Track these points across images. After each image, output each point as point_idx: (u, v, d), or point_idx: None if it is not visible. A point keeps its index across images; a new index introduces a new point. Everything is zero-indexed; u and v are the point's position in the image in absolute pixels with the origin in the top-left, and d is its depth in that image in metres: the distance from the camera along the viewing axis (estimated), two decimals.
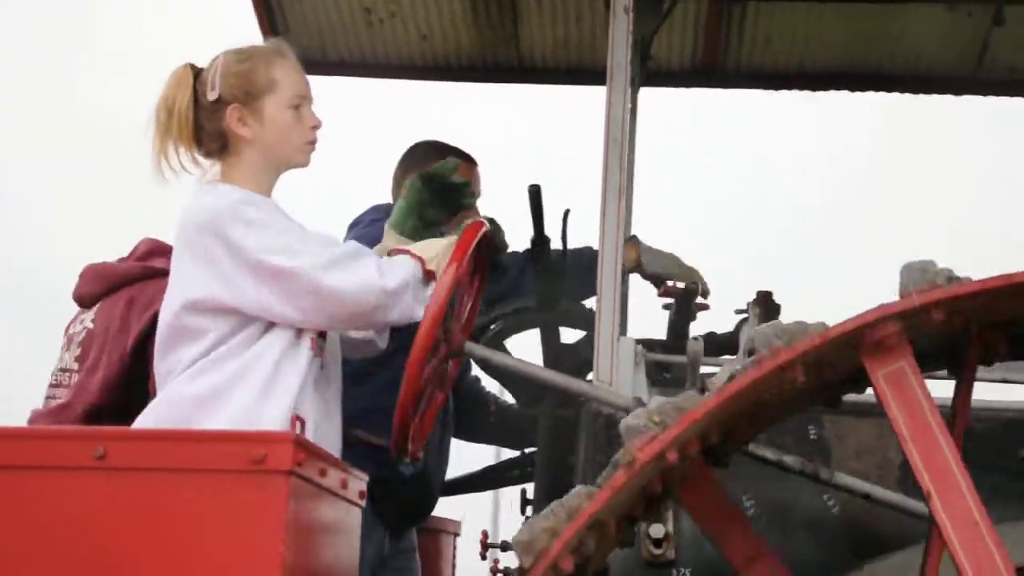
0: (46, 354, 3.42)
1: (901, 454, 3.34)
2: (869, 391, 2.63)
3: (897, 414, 2.46)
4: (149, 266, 3.37)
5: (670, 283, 3.82)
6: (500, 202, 4.03)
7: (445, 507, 4.23)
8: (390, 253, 3.24)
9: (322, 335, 3.15)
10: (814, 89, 4.89)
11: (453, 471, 4.26)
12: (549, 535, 2.39)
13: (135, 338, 3.25)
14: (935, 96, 4.87)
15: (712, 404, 2.42)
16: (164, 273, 3.21)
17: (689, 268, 3.98)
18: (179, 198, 3.22)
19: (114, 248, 3.48)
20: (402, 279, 3.11)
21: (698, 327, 4.00)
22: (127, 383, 3.27)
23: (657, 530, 3.20)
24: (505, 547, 3.78)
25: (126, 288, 3.35)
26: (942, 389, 3.32)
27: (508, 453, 4.52)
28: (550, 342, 4.01)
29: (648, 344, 3.53)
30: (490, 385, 4.48)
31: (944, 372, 2.75)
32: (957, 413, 2.64)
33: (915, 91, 4.88)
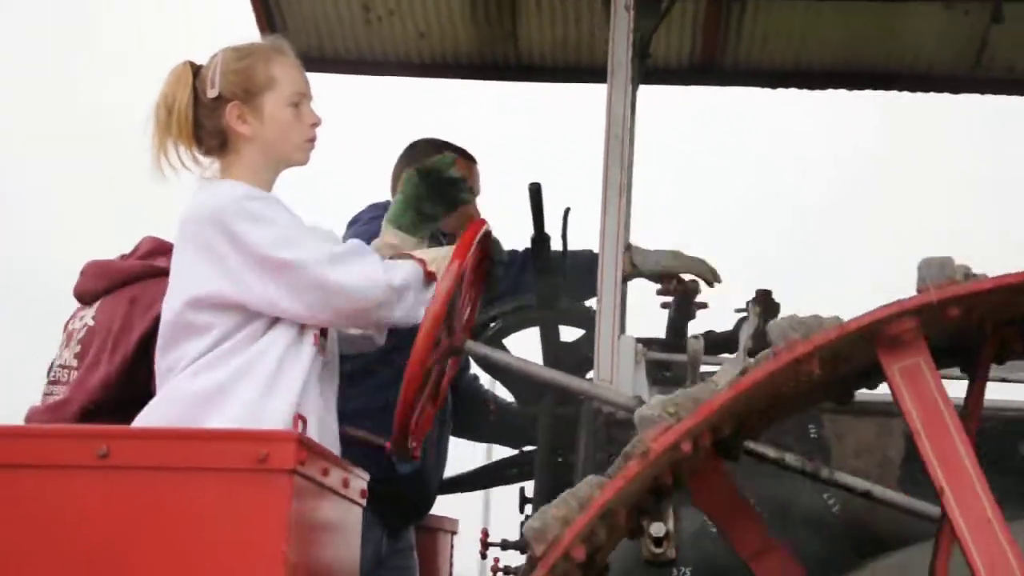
0: (46, 353, 3.41)
1: (901, 453, 3.38)
2: (868, 390, 2.65)
3: (911, 409, 2.46)
4: (152, 265, 3.36)
5: (682, 277, 3.82)
6: (500, 200, 4.03)
7: (437, 505, 4.22)
8: (391, 256, 3.25)
9: (324, 332, 3.15)
10: (812, 87, 4.90)
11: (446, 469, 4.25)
12: (561, 524, 2.40)
13: (138, 337, 3.24)
14: (934, 95, 4.88)
15: (727, 396, 2.43)
16: (167, 272, 3.21)
17: (691, 258, 3.98)
18: (179, 197, 3.22)
19: (114, 248, 3.46)
20: (405, 278, 3.12)
21: (697, 326, 4.01)
22: (127, 382, 3.26)
23: (658, 529, 3.20)
24: (505, 546, 3.79)
25: (128, 286, 3.34)
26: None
27: (500, 451, 4.52)
28: (550, 340, 4.01)
29: (647, 343, 3.54)
30: (488, 384, 4.48)
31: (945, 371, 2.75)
32: (970, 410, 2.64)
33: (913, 89, 4.88)
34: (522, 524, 3.91)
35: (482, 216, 3.65)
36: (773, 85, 4.88)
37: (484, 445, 4.89)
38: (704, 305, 4.04)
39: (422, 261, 3.18)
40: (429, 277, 3.15)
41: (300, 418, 2.86)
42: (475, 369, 4.30)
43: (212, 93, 3.20)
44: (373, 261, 3.12)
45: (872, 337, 2.46)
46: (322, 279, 3.03)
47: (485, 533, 3.85)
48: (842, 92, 4.86)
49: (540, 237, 3.90)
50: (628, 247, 3.54)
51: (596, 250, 3.53)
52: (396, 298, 3.10)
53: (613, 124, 3.39)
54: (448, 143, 4.32)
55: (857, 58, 4.77)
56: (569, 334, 4.07)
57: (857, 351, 2.49)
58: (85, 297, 3.42)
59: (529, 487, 3.99)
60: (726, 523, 2.77)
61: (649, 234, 3.67)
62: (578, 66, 4.84)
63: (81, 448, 2.63)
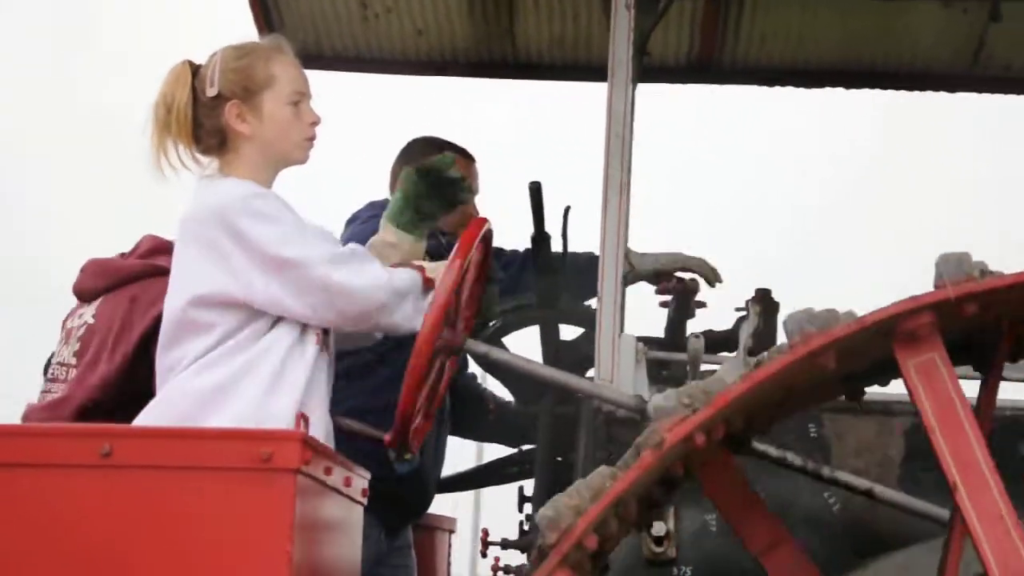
0: (47, 353, 3.40)
1: (901, 452, 3.38)
2: (880, 387, 2.65)
3: (926, 405, 2.47)
4: (153, 264, 3.35)
5: (681, 276, 3.83)
6: (500, 199, 4.03)
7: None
8: (388, 255, 3.25)
9: (326, 331, 3.15)
10: (809, 86, 4.90)
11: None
12: (574, 513, 2.41)
13: (138, 336, 3.23)
14: (932, 94, 4.88)
15: (742, 389, 2.43)
16: (168, 271, 3.20)
17: (691, 258, 3.98)
18: (179, 196, 3.22)
19: (115, 247, 3.47)
20: (407, 284, 3.13)
21: (696, 325, 4.01)
22: (127, 380, 3.25)
23: (658, 528, 3.22)
24: (505, 545, 3.79)
25: (129, 285, 3.33)
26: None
27: (490, 449, 4.52)
28: (549, 339, 4.00)
29: (645, 342, 3.54)
30: (486, 382, 4.48)
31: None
32: (983, 408, 2.64)
33: (910, 88, 4.88)
34: (521, 523, 3.92)
35: (481, 215, 3.65)
36: (771, 83, 4.88)
37: (474, 444, 4.89)
38: (703, 304, 4.05)
39: (421, 269, 3.19)
40: (428, 284, 3.16)
41: (303, 417, 2.86)
42: (473, 368, 4.30)
43: (211, 92, 3.20)
44: (376, 264, 3.14)
45: (888, 332, 2.47)
46: (325, 279, 3.03)
47: (485, 532, 3.85)
48: (840, 91, 4.86)
49: (540, 236, 3.90)
50: (627, 252, 3.55)
51: (595, 251, 3.54)
52: (398, 302, 3.11)
53: (614, 122, 3.40)
54: (447, 142, 4.32)
55: (855, 57, 4.77)
56: (568, 333, 4.07)
57: (872, 346, 2.50)
58: (85, 295, 3.41)
59: (527, 486, 3.99)
60: (736, 517, 2.77)
61: (649, 234, 3.68)
62: (576, 64, 4.84)
63: (84, 447, 2.62)
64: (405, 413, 3.05)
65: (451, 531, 4.69)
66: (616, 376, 3.30)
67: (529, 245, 4.04)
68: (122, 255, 3.46)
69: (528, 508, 3.92)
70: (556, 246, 4.02)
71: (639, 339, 3.44)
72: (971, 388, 2.66)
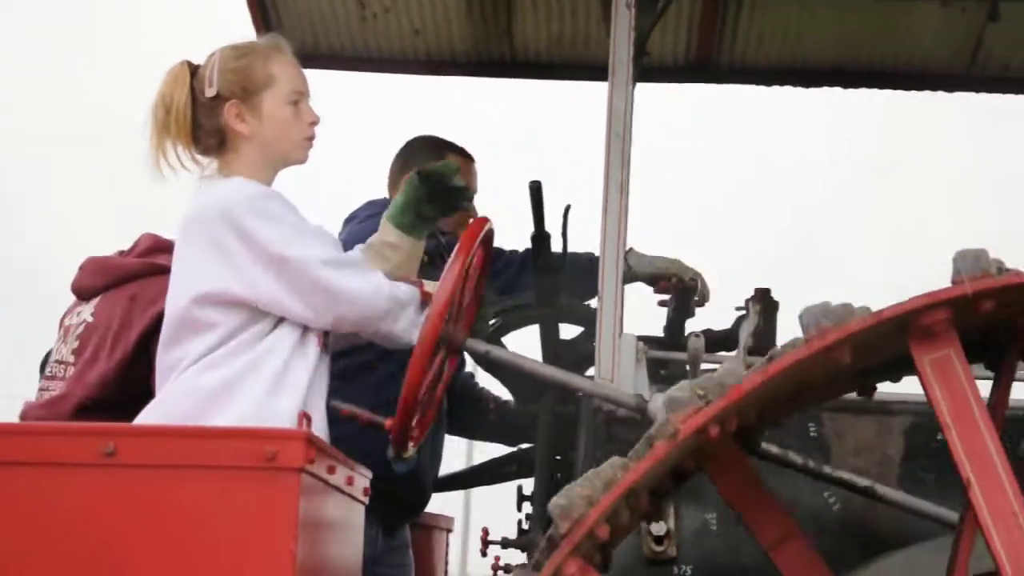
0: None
1: (901, 451, 3.39)
2: (892, 383, 2.64)
3: (941, 401, 2.47)
4: (153, 262, 3.34)
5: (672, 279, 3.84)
6: (498, 198, 4.03)
7: None
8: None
9: (327, 332, 3.15)
10: (807, 86, 4.90)
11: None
12: (586, 503, 2.41)
13: (138, 335, 3.23)
14: (931, 94, 4.88)
15: (757, 381, 2.43)
16: (167, 270, 3.20)
17: (688, 267, 4.00)
18: (179, 196, 3.22)
19: (115, 247, 3.47)
20: (406, 295, 3.16)
21: (695, 324, 4.02)
22: (125, 379, 3.25)
23: (659, 527, 3.22)
24: (506, 544, 3.79)
25: (128, 284, 3.33)
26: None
27: (480, 449, 4.52)
28: (549, 338, 4.00)
29: (644, 341, 3.54)
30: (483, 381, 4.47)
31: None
32: (997, 406, 2.64)
33: (908, 88, 4.88)
34: (519, 522, 3.92)
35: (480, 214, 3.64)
36: (769, 83, 4.88)
37: (464, 443, 4.89)
38: (702, 303, 4.05)
39: (420, 283, 3.21)
40: (426, 298, 3.17)
41: (305, 416, 2.86)
42: (471, 367, 4.29)
43: (210, 92, 3.20)
44: (379, 273, 3.16)
45: (904, 327, 2.47)
46: (326, 281, 3.04)
47: (485, 531, 3.85)
48: (840, 91, 4.86)
49: (540, 235, 3.90)
50: (628, 250, 3.55)
51: (594, 251, 3.53)
52: (398, 312, 3.13)
53: (615, 122, 3.39)
54: (446, 141, 4.32)
55: (853, 56, 4.77)
56: (567, 332, 4.07)
57: (887, 341, 2.50)
58: (83, 293, 3.40)
59: (526, 485, 3.99)
60: (746, 511, 2.78)
61: (648, 234, 3.69)
62: (574, 63, 4.83)
63: (87, 446, 2.62)
64: (405, 412, 3.05)
65: (448, 530, 4.70)
66: (616, 375, 3.30)
67: (528, 244, 4.04)
68: (121, 253, 3.46)
69: (527, 507, 3.92)
70: (555, 245, 4.02)
71: (639, 338, 3.44)
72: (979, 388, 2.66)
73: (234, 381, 2.97)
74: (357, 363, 3.69)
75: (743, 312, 3.78)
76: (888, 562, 2.90)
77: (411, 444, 3.17)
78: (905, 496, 3.20)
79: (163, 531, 2.60)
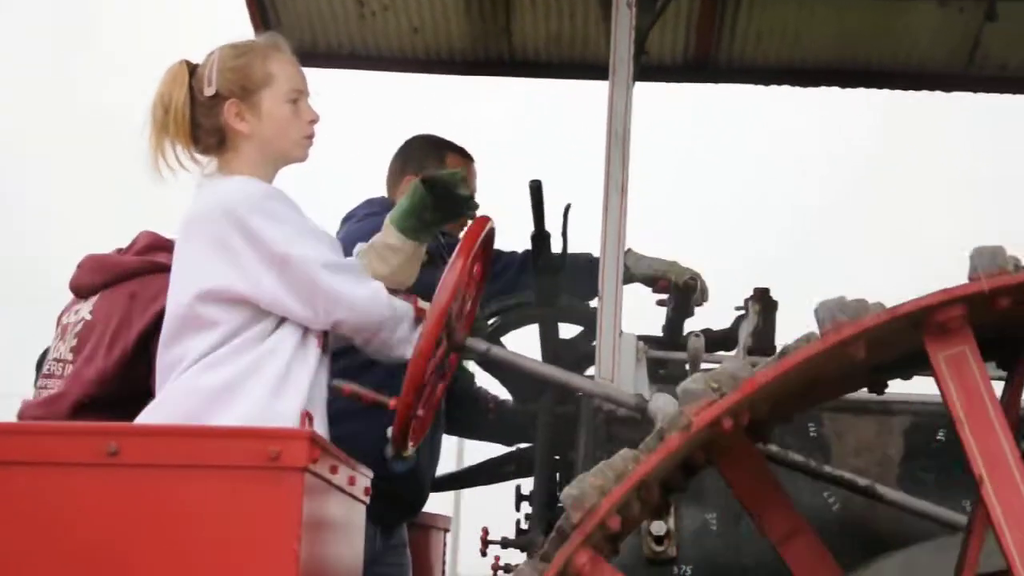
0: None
1: (900, 451, 3.39)
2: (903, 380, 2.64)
3: (955, 398, 2.48)
4: (152, 260, 3.34)
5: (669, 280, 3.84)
6: (497, 197, 4.02)
7: None
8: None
9: (326, 333, 3.15)
10: (805, 85, 4.90)
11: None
12: (599, 493, 2.41)
13: (137, 333, 3.23)
14: (929, 94, 4.88)
15: (772, 375, 2.44)
16: (167, 268, 3.19)
17: (686, 269, 4.00)
18: (179, 196, 3.21)
19: (114, 247, 3.46)
20: (403, 308, 3.18)
21: (694, 324, 4.02)
22: (124, 377, 3.24)
23: (659, 527, 3.22)
24: (506, 544, 3.79)
25: (128, 281, 3.32)
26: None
27: (472, 449, 4.51)
28: (549, 338, 4.00)
29: (643, 341, 3.54)
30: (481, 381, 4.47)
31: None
32: (1009, 404, 2.64)
33: (906, 87, 4.89)
34: (518, 522, 3.92)
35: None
36: (767, 82, 4.88)
37: (455, 443, 4.90)
38: (700, 303, 4.06)
39: (414, 299, 3.22)
40: (419, 315, 3.19)
41: (308, 415, 2.86)
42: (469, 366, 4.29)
43: (209, 91, 3.19)
44: (379, 283, 3.17)
45: (919, 323, 2.47)
46: (327, 284, 3.05)
47: (485, 531, 3.85)
48: (837, 90, 4.86)
49: (540, 234, 3.89)
50: (626, 252, 3.55)
51: (593, 251, 3.53)
52: (396, 323, 3.15)
53: (615, 122, 3.39)
54: (445, 140, 4.32)
55: (851, 56, 4.78)
56: (567, 331, 4.06)
57: (902, 337, 2.50)
58: (82, 291, 3.39)
59: (524, 485, 3.99)
60: (755, 505, 2.78)
61: (648, 234, 3.69)
62: (572, 62, 4.83)
63: (90, 446, 2.62)
64: (405, 411, 3.05)
65: (446, 530, 4.70)
66: (616, 375, 3.30)
67: (526, 244, 4.03)
68: (119, 251, 3.45)
69: (526, 507, 3.91)
70: (555, 245, 4.01)
71: (639, 338, 3.44)
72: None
73: (237, 381, 2.97)
74: (357, 363, 3.68)
75: (742, 312, 3.79)
76: (888, 562, 2.91)
77: (410, 443, 3.17)
78: (905, 496, 3.20)
79: (166, 531, 2.59)
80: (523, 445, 4.21)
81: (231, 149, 3.21)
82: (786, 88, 4.87)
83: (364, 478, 3.10)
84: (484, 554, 3.82)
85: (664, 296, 4.12)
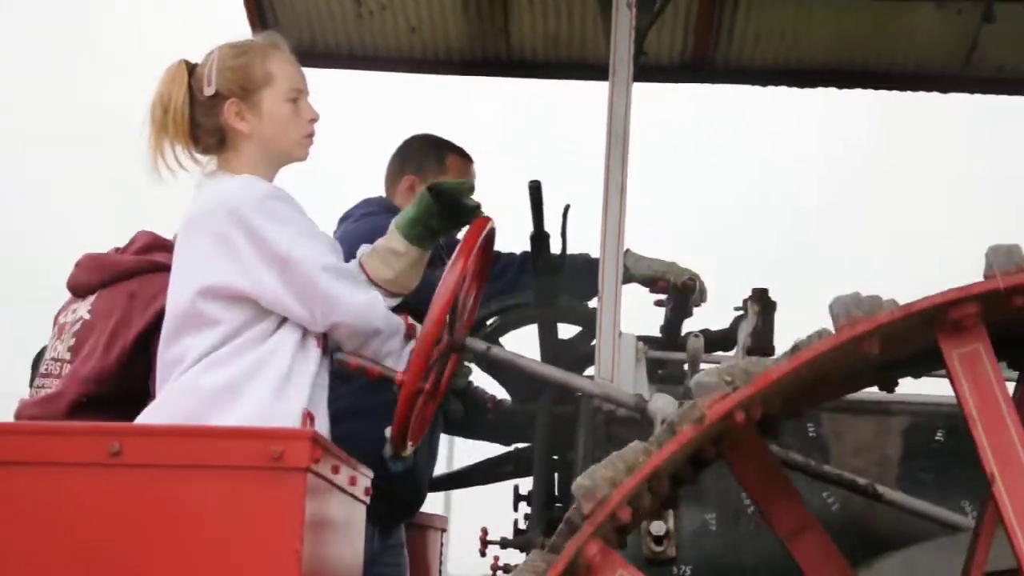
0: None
1: (899, 451, 3.40)
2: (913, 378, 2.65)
3: (968, 395, 2.48)
4: (152, 260, 3.33)
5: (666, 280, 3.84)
6: (495, 197, 4.01)
7: None
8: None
9: (325, 334, 3.14)
10: (802, 86, 4.91)
11: None
12: (610, 484, 2.42)
13: (137, 332, 3.22)
14: (927, 95, 4.89)
15: (785, 370, 2.44)
16: (165, 268, 3.19)
17: (685, 270, 4.00)
18: (179, 196, 3.21)
19: (112, 246, 3.46)
20: (397, 321, 3.19)
21: (692, 324, 4.02)
22: (123, 377, 3.24)
23: (658, 527, 3.22)
24: (505, 544, 3.79)
25: (126, 281, 3.31)
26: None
27: (460, 449, 4.50)
28: (548, 338, 4.00)
29: (643, 341, 3.54)
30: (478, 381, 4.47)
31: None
32: (1022, 404, 2.63)
33: (903, 88, 4.90)
34: (515, 522, 3.92)
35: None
36: (765, 83, 4.89)
37: (447, 442, 4.89)
38: (699, 303, 4.06)
39: (405, 315, 3.23)
40: (410, 331, 3.20)
41: (309, 415, 2.86)
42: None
43: (209, 91, 3.19)
44: (377, 293, 3.18)
45: (933, 320, 2.48)
46: (326, 287, 3.05)
47: (484, 531, 3.85)
48: (834, 91, 4.87)
49: (539, 235, 3.89)
50: (625, 252, 3.55)
51: (590, 251, 3.53)
52: (390, 335, 3.16)
53: (615, 122, 3.39)
54: (444, 140, 4.31)
55: (848, 57, 4.79)
56: (566, 331, 4.06)
57: (916, 334, 2.51)
58: (79, 290, 3.38)
59: (523, 484, 3.99)
60: (764, 500, 2.78)
61: (647, 234, 3.69)
62: (570, 62, 4.83)
63: (93, 446, 2.62)
64: (405, 411, 3.05)
65: (443, 530, 4.70)
66: (616, 375, 3.30)
67: (525, 245, 4.03)
68: (116, 250, 3.44)
69: (523, 507, 3.91)
70: (555, 245, 4.01)
71: (638, 338, 3.45)
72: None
73: (239, 382, 2.97)
74: None
75: (741, 312, 3.79)
76: (887, 562, 2.91)
77: (409, 443, 3.17)
78: (904, 496, 3.21)
79: (168, 531, 2.59)
80: (520, 445, 4.21)
81: (231, 149, 3.21)
82: (784, 89, 4.87)
83: (364, 478, 3.10)
84: (483, 554, 3.82)
85: (662, 296, 4.12)
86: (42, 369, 3.34)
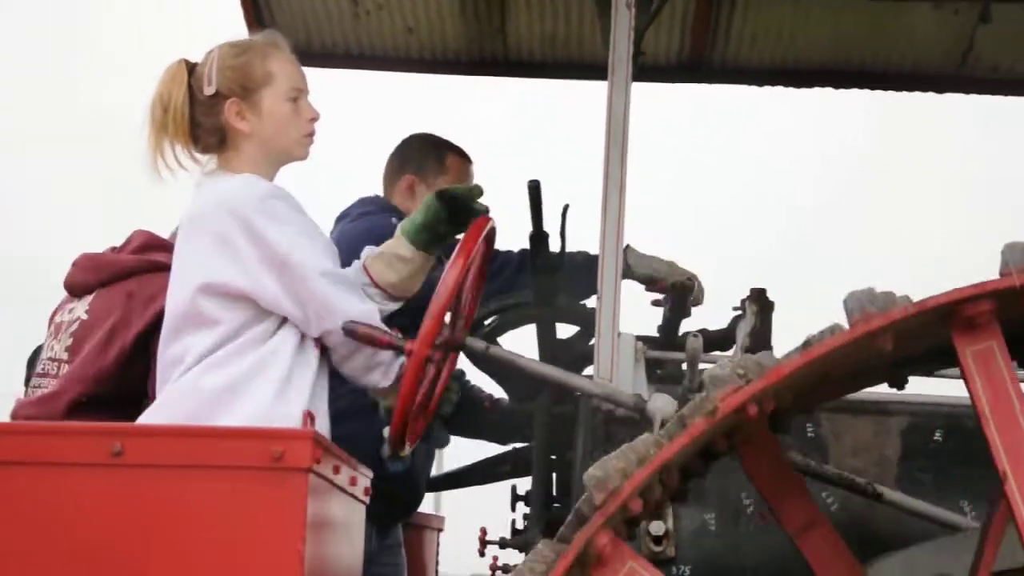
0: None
1: (898, 452, 3.40)
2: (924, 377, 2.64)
3: (981, 393, 2.48)
4: (150, 260, 3.33)
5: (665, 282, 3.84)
6: (499, 197, 4.01)
7: None
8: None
9: None
10: (799, 86, 4.91)
11: None
12: (621, 476, 2.42)
13: (136, 332, 3.22)
14: (923, 95, 4.90)
15: (798, 364, 2.44)
16: (164, 267, 3.19)
17: (684, 271, 4.01)
18: (178, 196, 3.20)
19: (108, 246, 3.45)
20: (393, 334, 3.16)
21: (690, 324, 4.02)
22: (122, 377, 3.24)
23: (657, 527, 3.22)
24: (504, 544, 3.79)
25: (124, 281, 3.30)
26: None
27: (457, 448, 4.49)
28: (546, 338, 4.00)
29: (641, 341, 3.54)
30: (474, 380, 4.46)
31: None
32: None
33: (900, 89, 4.90)
34: (512, 523, 3.92)
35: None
36: (762, 83, 4.89)
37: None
38: (697, 303, 4.06)
39: (395, 329, 3.21)
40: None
41: (310, 415, 2.87)
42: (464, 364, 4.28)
43: (209, 90, 3.19)
44: (372, 304, 3.18)
45: (947, 317, 2.48)
46: (320, 292, 3.05)
47: (484, 531, 3.85)
48: (831, 91, 4.87)
49: (539, 235, 3.89)
50: (626, 247, 3.55)
51: (590, 250, 3.52)
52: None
53: (614, 122, 3.39)
54: (443, 140, 4.31)
55: (845, 57, 4.79)
56: (564, 331, 4.06)
57: (929, 331, 2.51)
58: (76, 289, 3.38)
59: (521, 484, 3.99)
60: (773, 496, 2.79)
61: (646, 233, 3.68)
62: (568, 62, 4.83)
63: (94, 446, 2.62)
64: (404, 411, 3.04)
65: (440, 530, 4.70)
66: (615, 375, 3.30)
67: (524, 244, 4.03)
68: (113, 249, 3.43)
69: (521, 507, 3.91)
70: (554, 245, 4.01)
71: (637, 338, 3.44)
72: None
73: (240, 383, 2.97)
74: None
75: (739, 312, 3.79)
76: (887, 562, 2.92)
77: (407, 443, 3.17)
78: (903, 496, 3.21)
79: (170, 531, 2.60)
80: (518, 445, 4.21)
81: (231, 148, 3.21)
82: (781, 89, 4.88)
83: (364, 478, 3.10)
84: (482, 554, 3.82)
85: (659, 296, 4.12)
86: (38, 368, 3.33)
